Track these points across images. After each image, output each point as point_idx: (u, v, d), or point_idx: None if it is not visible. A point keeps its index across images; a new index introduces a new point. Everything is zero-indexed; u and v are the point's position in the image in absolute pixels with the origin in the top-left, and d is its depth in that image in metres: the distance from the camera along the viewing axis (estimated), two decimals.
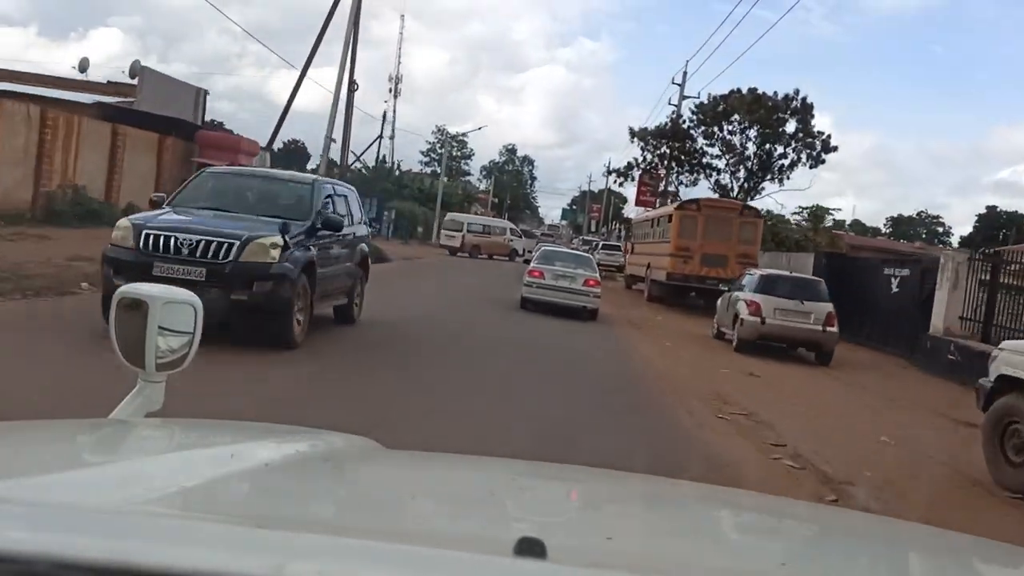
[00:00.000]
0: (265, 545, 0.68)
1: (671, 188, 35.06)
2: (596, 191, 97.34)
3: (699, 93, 33.44)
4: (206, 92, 27.80)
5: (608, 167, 34.29)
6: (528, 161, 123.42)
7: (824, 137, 30.62)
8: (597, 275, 16.70)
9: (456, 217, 46.16)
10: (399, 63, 69.37)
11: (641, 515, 1.42)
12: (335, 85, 32.15)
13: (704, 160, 33.76)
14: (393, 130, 67.94)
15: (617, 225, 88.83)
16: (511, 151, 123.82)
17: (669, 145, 33.51)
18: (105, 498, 0.86)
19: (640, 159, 34.54)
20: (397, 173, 58.91)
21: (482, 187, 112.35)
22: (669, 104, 34.81)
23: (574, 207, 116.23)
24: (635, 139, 33.64)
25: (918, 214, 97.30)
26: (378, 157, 51.80)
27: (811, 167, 30.93)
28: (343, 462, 1.39)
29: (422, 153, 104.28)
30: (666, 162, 34.07)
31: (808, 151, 30.58)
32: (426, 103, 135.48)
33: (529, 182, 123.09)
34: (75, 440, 1.32)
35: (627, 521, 1.33)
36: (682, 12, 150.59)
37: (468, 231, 42.41)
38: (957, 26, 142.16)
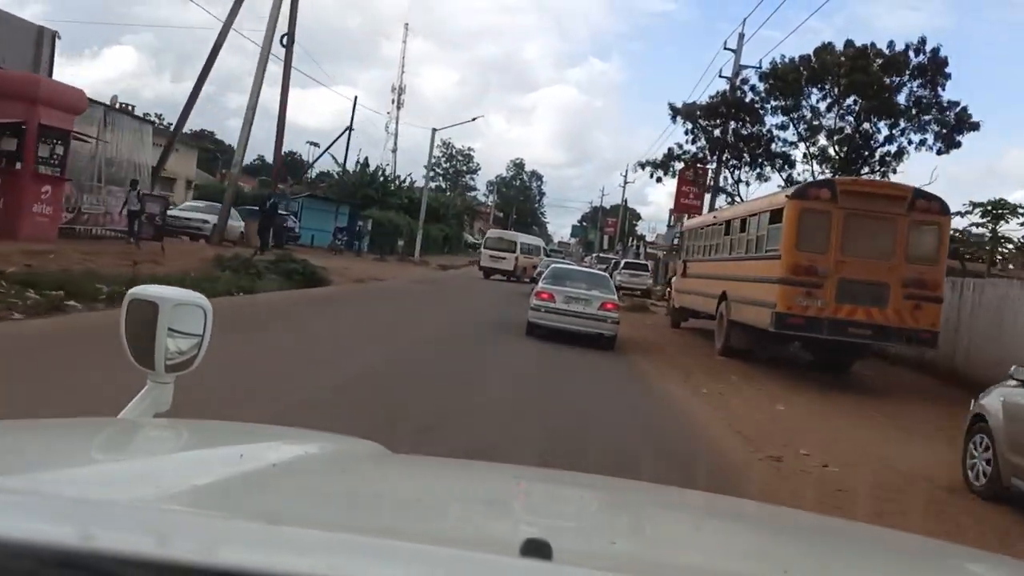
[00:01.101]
0: (277, 541, 0.68)
1: (727, 185, 25.68)
2: (608, 207, 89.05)
3: (760, 63, 24.25)
4: (55, 34, 18.82)
5: (640, 163, 24.30)
6: (536, 176, 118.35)
7: (959, 109, 21.23)
8: (615, 297, 14.44)
9: (504, 235, 38.35)
10: (402, 72, 65.22)
11: (646, 521, 1.40)
12: (263, 41, 23.14)
13: (773, 147, 24.52)
14: (395, 143, 62.35)
15: (634, 242, 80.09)
16: (519, 165, 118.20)
17: (723, 125, 24.27)
18: (117, 494, 0.90)
19: (684, 146, 25.22)
20: (382, 179, 49.98)
21: (488, 201, 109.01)
22: (720, 77, 25.55)
23: (584, 224, 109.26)
24: (679, 119, 24.42)
25: None
26: (348, 155, 42.74)
27: (939, 152, 21.58)
28: (351, 464, 1.41)
29: (425, 168, 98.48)
30: (719, 151, 24.80)
31: (936, 128, 21.23)
32: (438, 122, 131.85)
33: (538, 198, 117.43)
34: (86, 438, 1.32)
35: (632, 526, 1.34)
36: (690, 33, 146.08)
37: (521, 251, 35.52)
38: None
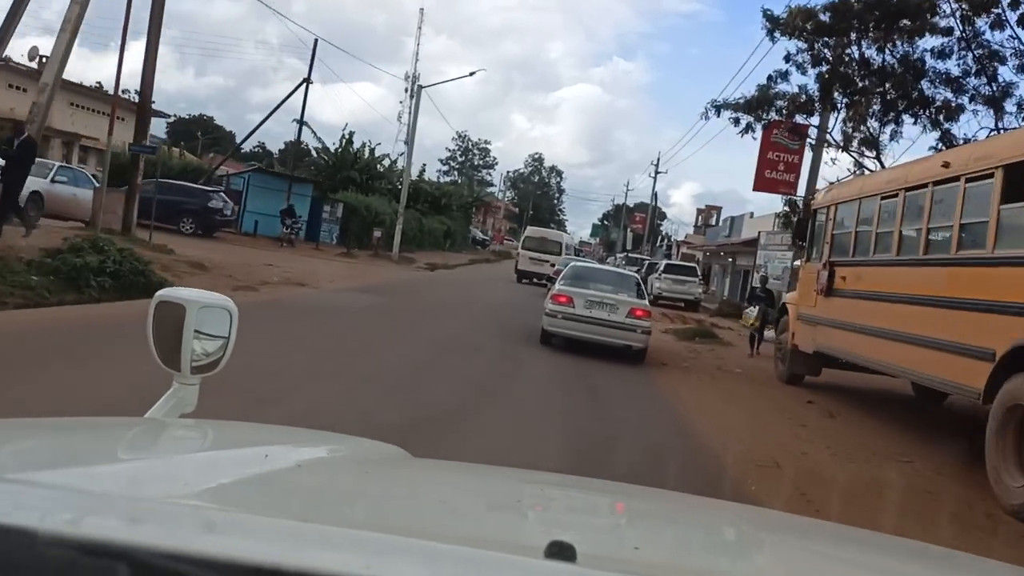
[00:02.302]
0: (307, 538, 0.68)
1: (851, 144, 16.52)
2: (632, 204, 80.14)
3: None
4: None
5: (716, 105, 14.49)
6: (556, 172, 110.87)
7: None
8: (646, 302, 12.19)
9: (548, 235, 33.32)
10: (416, 60, 60.31)
11: (669, 528, 1.38)
12: None
13: (925, 89, 15.50)
14: (410, 135, 57.79)
15: (664, 241, 71.10)
16: (537, 160, 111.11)
17: (847, 45, 15.30)
18: (148, 491, 0.91)
19: (780, 82, 16.10)
20: (367, 156, 41.43)
21: (504, 197, 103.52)
22: None
23: (606, 223, 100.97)
24: (779, 34, 15.34)
25: None
26: (299, 128, 34.01)
27: None
28: (374, 466, 1.41)
29: (441, 162, 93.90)
30: (842, 88, 15.72)
31: None
32: (460, 122, 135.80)
33: (557, 195, 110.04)
34: (115, 438, 1.33)
35: (655, 533, 1.32)
36: (714, 35, 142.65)
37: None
38: None
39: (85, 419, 1.55)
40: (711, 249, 38.70)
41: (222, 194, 24.79)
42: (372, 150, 43.12)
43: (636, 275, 15.81)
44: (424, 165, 62.49)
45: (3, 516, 0.61)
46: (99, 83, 39.82)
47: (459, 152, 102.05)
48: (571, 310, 11.49)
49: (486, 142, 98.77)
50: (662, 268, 28.18)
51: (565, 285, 12.14)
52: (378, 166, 43.25)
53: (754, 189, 18.35)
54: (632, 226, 69.82)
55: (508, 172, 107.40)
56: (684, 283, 27.38)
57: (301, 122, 28.87)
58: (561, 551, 0.72)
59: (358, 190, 37.75)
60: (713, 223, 60.14)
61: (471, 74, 27.65)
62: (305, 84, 27.83)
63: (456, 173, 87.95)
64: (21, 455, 1.07)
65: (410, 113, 63.92)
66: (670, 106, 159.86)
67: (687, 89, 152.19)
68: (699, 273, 28.36)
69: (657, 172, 58.76)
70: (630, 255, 46.14)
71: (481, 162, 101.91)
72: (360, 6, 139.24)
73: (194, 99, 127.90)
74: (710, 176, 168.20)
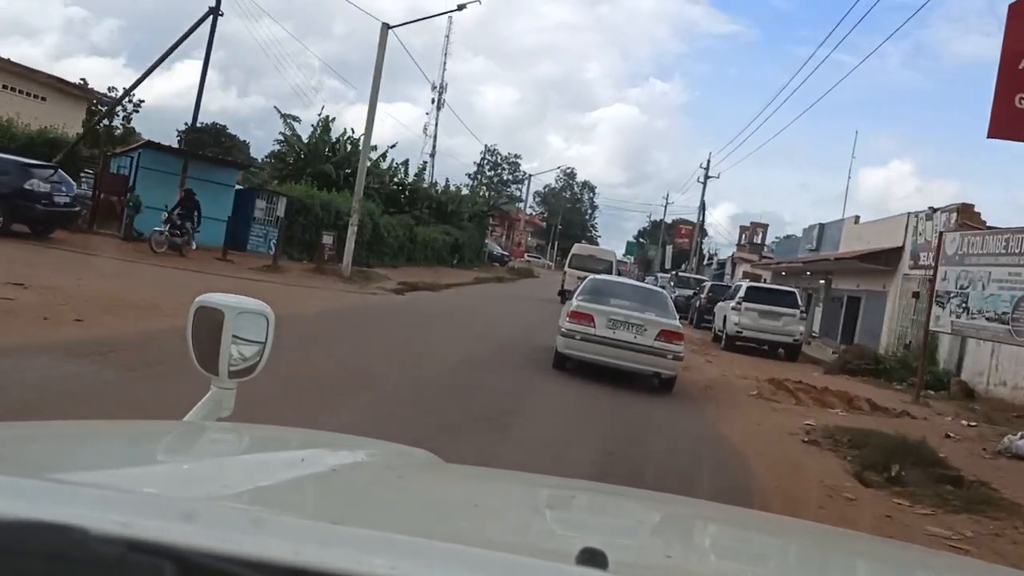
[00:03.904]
0: (342, 540, 0.69)
1: None
2: (671, 220, 70.47)
3: None
4: None
5: None
6: (589, 187, 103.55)
7: None
8: (677, 322, 10.51)
9: (597, 252, 30.54)
10: (444, 70, 55.64)
11: (701, 537, 1.39)
12: None
13: None
14: (434, 147, 54.45)
15: (713, 259, 61.31)
16: (569, 175, 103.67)
17: None
18: (187, 493, 0.93)
19: None
20: (335, 139, 32.71)
21: (533, 213, 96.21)
22: None
23: (642, 240, 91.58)
24: None
25: None
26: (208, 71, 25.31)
27: None
28: (406, 471, 1.41)
29: (468, 176, 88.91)
30: None
31: None
32: (496, 140, 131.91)
33: (590, 211, 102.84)
34: (155, 440, 1.34)
35: (687, 542, 1.32)
36: (754, 57, 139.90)
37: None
38: None
39: (126, 422, 1.61)
40: (792, 267, 28.87)
41: (60, 173, 15.81)
42: (354, 140, 34.37)
43: (662, 290, 13.97)
44: (447, 179, 59.22)
45: (55, 514, 0.62)
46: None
47: (487, 167, 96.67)
48: (591, 330, 10.00)
49: (516, 156, 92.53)
50: (742, 294, 18.51)
51: (584, 301, 10.46)
52: (352, 160, 34.46)
53: (990, 135, 8.86)
54: (678, 239, 60.05)
55: (543, 188, 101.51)
56: (779, 317, 17.75)
57: (206, 61, 19.85)
58: (593, 558, 0.72)
59: (334, 189, 28.93)
60: (758, 241, 53.50)
61: (460, 8, 19.19)
62: (212, 15, 18.81)
63: (484, 188, 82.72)
64: (68, 457, 1.10)
65: (435, 104, 57.76)
66: (707, 126, 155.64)
67: (724, 108, 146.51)
68: (800, 304, 18.59)
69: (707, 176, 48.92)
70: (679, 275, 36.29)
71: (511, 177, 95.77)
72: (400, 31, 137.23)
73: (235, 117, 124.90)
74: (746, 197, 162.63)
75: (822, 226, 28.29)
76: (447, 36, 59.99)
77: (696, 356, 15.66)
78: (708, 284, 26.51)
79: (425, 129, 58.67)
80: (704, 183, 48.74)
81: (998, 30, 10.49)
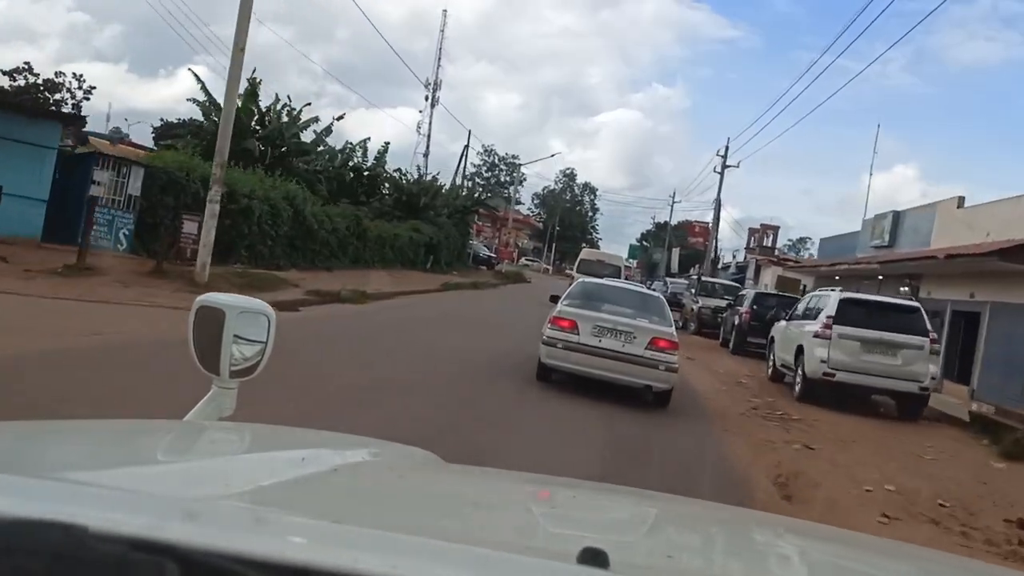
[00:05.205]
0: (343, 539, 0.69)
1: None
2: (676, 223, 63.50)
3: None
4: None
5: None
6: (590, 190, 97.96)
7: None
8: (672, 330, 9.38)
9: (606, 257, 30.00)
10: (438, 66, 52.00)
11: (702, 537, 1.36)
12: None
13: None
14: (428, 145, 50.78)
15: (733, 262, 54.45)
16: (569, 176, 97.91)
17: None
18: (188, 492, 0.92)
19: None
20: (266, 108, 25.79)
21: (532, 214, 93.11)
22: None
23: (645, 243, 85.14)
24: None
25: None
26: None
27: None
28: (408, 470, 1.41)
29: (465, 178, 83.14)
30: None
31: None
32: (499, 146, 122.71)
33: (591, 214, 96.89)
34: (155, 439, 1.32)
35: (688, 542, 1.30)
36: (755, 62, 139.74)
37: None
38: None
39: (127, 421, 1.55)
40: (853, 270, 21.78)
41: None
42: (295, 110, 27.36)
43: (658, 294, 11.74)
44: (439, 172, 54.24)
45: (57, 513, 0.61)
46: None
47: (484, 168, 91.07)
48: (574, 338, 9.02)
49: (514, 157, 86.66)
50: (833, 309, 11.36)
51: (569, 306, 9.52)
52: (304, 134, 27.41)
53: None
54: (691, 238, 53.07)
55: (542, 190, 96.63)
56: (897, 350, 10.74)
57: None
58: (594, 557, 0.71)
59: (265, 171, 21.98)
60: (768, 243, 50.04)
61: None
62: None
63: (482, 189, 77.51)
64: (69, 456, 1.08)
65: (430, 123, 52.03)
66: (708, 130, 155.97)
67: (726, 113, 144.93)
68: (927, 322, 11.46)
69: (725, 166, 41.79)
70: (703, 279, 29.16)
71: (508, 179, 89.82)
72: (400, 35, 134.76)
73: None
74: (746, 202, 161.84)
75: (897, 214, 21.22)
76: (441, 31, 54.17)
77: (755, 419, 9.87)
78: (749, 293, 19.46)
79: (419, 127, 52.86)
80: (721, 173, 41.62)
81: None
